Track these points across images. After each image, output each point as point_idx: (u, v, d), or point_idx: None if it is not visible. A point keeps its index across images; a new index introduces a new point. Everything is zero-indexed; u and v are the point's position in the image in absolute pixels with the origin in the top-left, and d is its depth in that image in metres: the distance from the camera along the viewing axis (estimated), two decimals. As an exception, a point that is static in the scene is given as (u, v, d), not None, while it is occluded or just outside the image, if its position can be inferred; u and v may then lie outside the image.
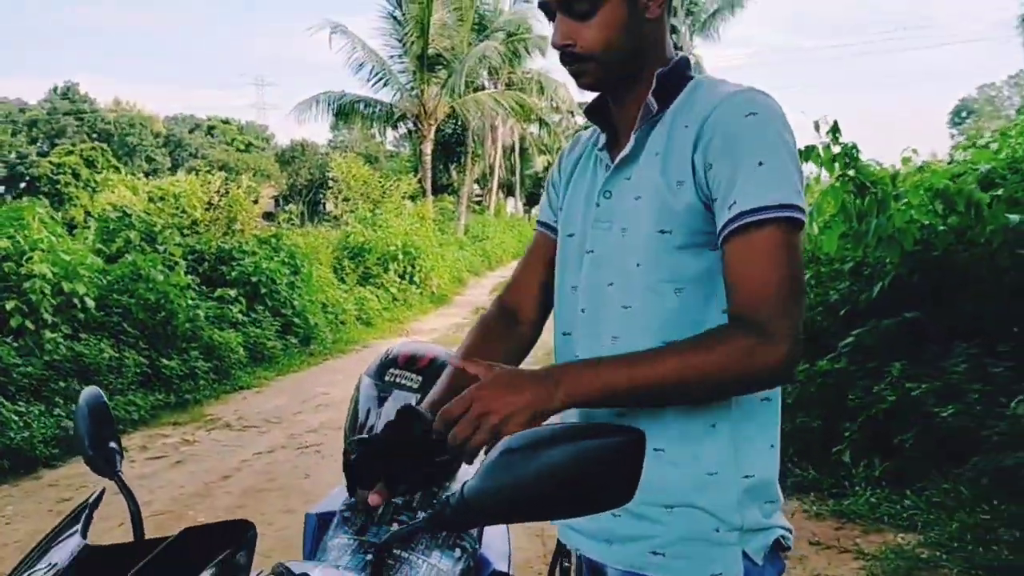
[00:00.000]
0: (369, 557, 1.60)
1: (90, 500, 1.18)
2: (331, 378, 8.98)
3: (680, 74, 1.32)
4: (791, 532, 1.32)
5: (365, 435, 1.43)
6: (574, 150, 1.51)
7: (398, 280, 14.43)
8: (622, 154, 1.33)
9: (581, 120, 47.57)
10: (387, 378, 1.77)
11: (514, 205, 45.89)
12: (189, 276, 9.13)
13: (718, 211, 1.21)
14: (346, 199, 16.82)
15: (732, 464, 1.25)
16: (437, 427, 1.11)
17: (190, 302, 8.64)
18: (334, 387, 8.29)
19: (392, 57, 24.00)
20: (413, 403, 1.49)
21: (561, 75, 31.01)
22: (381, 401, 1.75)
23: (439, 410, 1.12)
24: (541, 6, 1.32)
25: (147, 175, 31.99)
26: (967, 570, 3.61)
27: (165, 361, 7.84)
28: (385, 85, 23.76)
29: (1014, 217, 5.08)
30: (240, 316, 9.33)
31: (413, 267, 14.84)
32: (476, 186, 34.38)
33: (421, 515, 1.49)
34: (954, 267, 5.40)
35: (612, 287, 1.32)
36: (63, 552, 1.07)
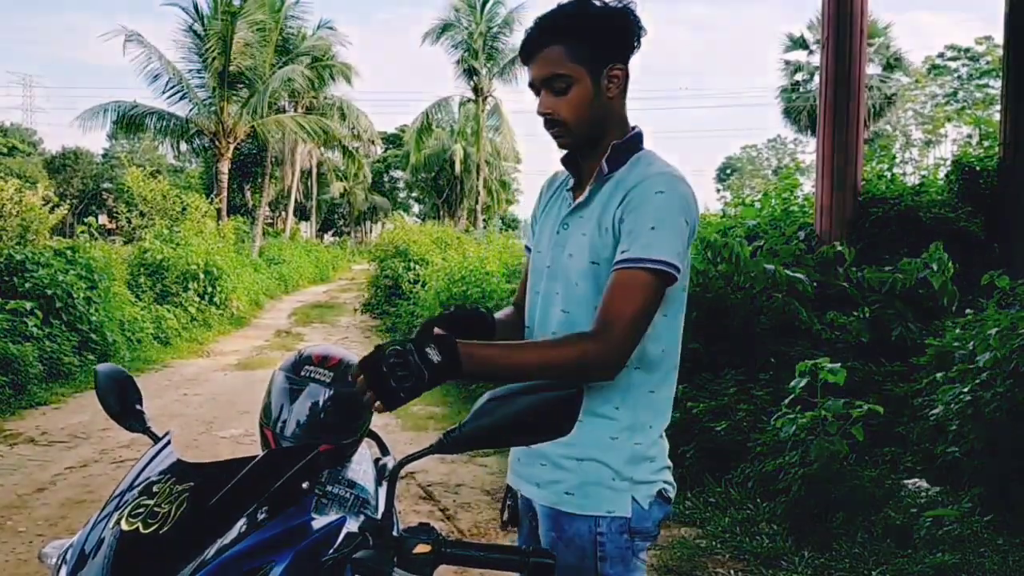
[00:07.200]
0: None
1: (167, 438, 1.52)
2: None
3: (631, 146, 1.74)
4: (673, 487, 1.76)
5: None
6: (552, 187, 1.92)
7: (198, 300, 14.04)
8: (579, 200, 1.76)
9: (381, 150, 47.92)
10: (303, 373, 1.98)
11: (308, 230, 45.15)
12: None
13: (617, 252, 1.63)
14: (141, 213, 16.13)
15: (627, 434, 1.67)
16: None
17: (-22, 314, 8.16)
18: (137, 406, 8.09)
19: (191, 71, 23.29)
20: (323, 396, 1.91)
21: (362, 104, 31.26)
22: (295, 394, 1.95)
23: None
24: (530, 85, 1.75)
25: None
26: (737, 555, 4.38)
27: (-45, 375, 7.38)
28: (182, 99, 23.01)
29: (770, 267, 6.11)
30: (36, 330, 8.88)
31: (214, 287, 14.47)
32: (267, 209, 33.67)
33: (333, 489, 1.90)
34: (724, 307, 6.36)
35: (558, 296, 1.75)
36: (162, 465, 1.41)
